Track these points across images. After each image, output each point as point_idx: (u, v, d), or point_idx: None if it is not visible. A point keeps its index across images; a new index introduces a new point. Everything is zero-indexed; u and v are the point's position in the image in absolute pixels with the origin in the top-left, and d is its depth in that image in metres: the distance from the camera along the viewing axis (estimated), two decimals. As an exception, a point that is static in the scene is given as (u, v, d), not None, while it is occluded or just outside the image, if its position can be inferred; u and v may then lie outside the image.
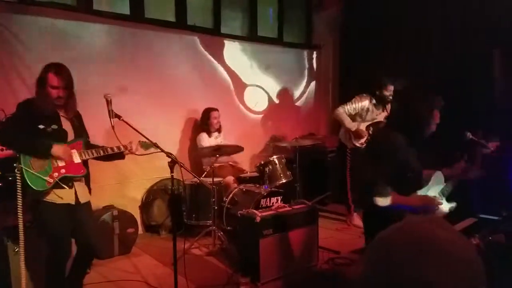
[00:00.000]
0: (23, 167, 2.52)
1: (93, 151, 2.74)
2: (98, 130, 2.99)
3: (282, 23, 5.99)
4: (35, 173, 2.53)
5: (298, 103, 6.20)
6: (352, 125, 4.56)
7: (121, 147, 2.81)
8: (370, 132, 4.53)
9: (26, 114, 2.58)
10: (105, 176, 4.10)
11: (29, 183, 2.51)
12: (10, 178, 3.20)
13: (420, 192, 2.32)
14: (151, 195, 4.61)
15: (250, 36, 5.61)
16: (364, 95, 4.61)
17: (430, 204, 2.25)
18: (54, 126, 2.64)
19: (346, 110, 4.59)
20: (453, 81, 4.64)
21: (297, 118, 6.15)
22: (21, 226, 2.60)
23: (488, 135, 3.09)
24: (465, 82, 4.56)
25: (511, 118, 4.30)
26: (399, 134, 2.23)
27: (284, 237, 3.32)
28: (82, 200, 2.75)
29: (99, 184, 3.79)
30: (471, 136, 2.62)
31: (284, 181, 4.29)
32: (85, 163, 2.74)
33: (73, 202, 2.69)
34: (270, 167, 4.32)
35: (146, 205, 4.61)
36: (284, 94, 6.03)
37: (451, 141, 2.62)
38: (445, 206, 2.37)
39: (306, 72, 6.30)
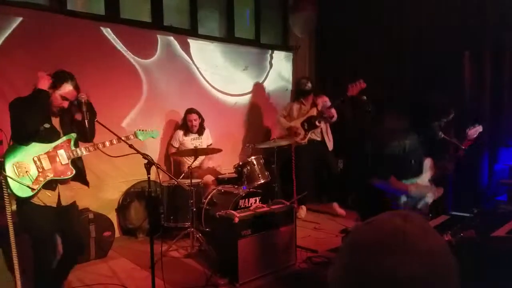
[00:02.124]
0: (6, 175, 2.48)
1: (83, 149, 2.71)
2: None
3: (259, 24, 6.01)
4: (19, 181, 2.50)
5: (276, 104, 6.23)
6: (285, 123, 5.13)
7: (114, 141, 2.78)
8: (306, 127, 5.04)
9: (23, 114, 2.53)
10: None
11: (14, 192, 2.49)
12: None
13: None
14: (128, 197, 4.55)
15: (227, 37, 5.61)
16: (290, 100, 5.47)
17: (424, 192, 2.35)
18: (47, 125, 2.61)
19: (281, 114, 5.27)
20: (425, 81, 4.78)
21: (275, 118, 6.18)
22: (11, 231, 2.55)
23: (461, 134, 3.23)
24: (436, 82, 4.69)
25: (480, 118, 4.47)
26: (407, 121, 2.33)
27: (263, 237, 3.34)
28: (65, 202, 2.72)
29: (74, 186, 3.72)
30: (443, 136, 2.70)
31: (262, 181, 4.32)
32: (74, 161, 2.71)
33: (54, 205, 2.66)
34: (249, 167, 4.34)
35: (123, 208, 4.54)
36: (263, 95, 6.06)
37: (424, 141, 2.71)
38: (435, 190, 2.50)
39: (283, 72, 6.34)
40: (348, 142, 5.24)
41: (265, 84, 6.10)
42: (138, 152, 2.71)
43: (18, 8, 3.82)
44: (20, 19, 3.83)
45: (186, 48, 5.10)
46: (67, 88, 2.60)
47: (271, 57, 6.13)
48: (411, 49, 5.05)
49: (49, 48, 3.96)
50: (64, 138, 2.70)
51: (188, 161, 4.49)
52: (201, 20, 5.31)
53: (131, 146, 2.73)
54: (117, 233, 4.36)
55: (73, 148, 2.72)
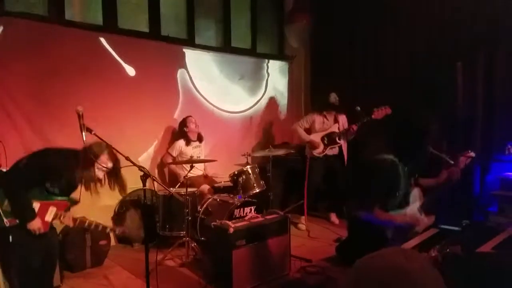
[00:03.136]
0: None
1: (70, 219, 2.78)
2: (71, 144, 2.97)
3: (255, 33, 6.08)
4: (0, 211, 2.56)
5: (271, 112, 6.30)
6: (306, 136, 5.07)
7: (100, 226, 2.90)
8: (326, 142, 5.05)
9: (43, 169, 2.63)
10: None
11: None
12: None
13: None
14: (124, 206, 4.57)
15: (224, 46, 5.67)
16: (313, 112, 5.30)
17: (411, 223, 2.38)
18: (56, 191, 2.71)
19: (301, 124, 5.17)
20: (418, 92, 4.85)
21: (271, 127, 6.24)
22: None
23: (453, 147, 3.28)
24: (429, 94, 4.77)
25: (472, 130, 4.55)
26: (391, 154, 2.34)
27: (257, 247, 3.37)
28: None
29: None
30: (431, 150, 2.75)
31: (257, 190, 4.36)
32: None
33: None
34: (244, 177, 4.38)
35: (118, 216, 4.56)
36: (258, 103, 6.11)
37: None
38: (424, 221, 2.50)
39: (279, 81, 6.40)
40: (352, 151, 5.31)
41: (261, 93, 6.15)
42: (134, 164, 2.76)
43: (15, 18, 3.85)
44: (18, 28, 3.86)
45: (182, 58, 5.15)
46: (103, 159, 2.72)
47: (267, 67, 6.20)
48: (406, 59, 5.13)
49: (48, 58, 4.00)
50: (64, 198, 2.78)
51: (185, 170, 4.53)
52: (198, 29, 5.37)
53: (127, 158, 2.78)
54: (113, 242, 4.37)
55: (64, 212, 2.77)
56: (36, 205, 2.65)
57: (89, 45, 4.33)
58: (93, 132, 2.71)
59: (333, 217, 5.23)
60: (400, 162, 2.42)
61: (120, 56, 4.57)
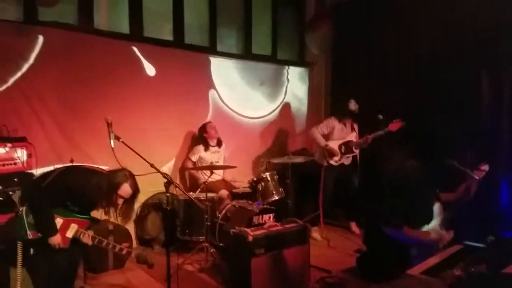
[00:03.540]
0: (22, 212, 2.72)
1: (90, 237, 2.87)
2: (98, 151, 3.08)
3: (275, 40, 6.12)
4: (25, 220, 2.71)
5: (291, 118, 6.32)
6: (324, 143, 5.01)
7: (117, 247, 2.95)
8: (343, 150, 5.02)
9: (69, 189, 2.78)
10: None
11: (15, 228, 2.71)
12: (10, 193, 3.32)
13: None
14: (146, 209, 4.66)
15: (245, 53, 5.73)
16: (333, 117, 5.19)
17: (435, 239, 2.36)
18: (76, 209, 2.85)
19: (320, 130, 5.08)
20: (439, 101, 4.79)
21: (290, 133, 6.27)
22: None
23: (476, 160, 3.21)
24: (452, 103, 4.70)
25: (497, 140, 4.44)
26: (416, 168, 2.32)
27: (276, 256, 3.40)
28: None
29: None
30: (456, 165, 2.73)
31: (276, 198, 4.40)
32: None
33: None
34: (263, 184, 4.42)
35: (140, 219, 4.66)
36: (278, 109, 6.15)
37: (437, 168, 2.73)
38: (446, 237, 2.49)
39: (299, 88, 6.42)
40: (364, 159, 5.28)
41: (281, 99, 6.19)
42: (158, 171, 2.86)
43: (47, 28, 4.00)
44: (49, 37, 4.00)
45: (205, 65, 5.23)
46: (125, 188, 2.82)
47: (287, 73, 6.23)
48: (427, 67, 5.06)
49: (78, 65, 4.14)
50: (85, 217, 2.91)
51: (205, 175, 4.59)
52: (220, 37, 5.45)
53: (152, 165, 2.87)
54: (134, 244, 4.47)
55: (84, 230, 2.88)
56: (59, 221, 2.79)
57: (117, 53, 4.45)
58: (120, 140, 2.81)
59: (354, 227, 5.19)
60: (427, 174, 2.40)
61: (145, 63, 4.67)
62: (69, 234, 2.82)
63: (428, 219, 2.39)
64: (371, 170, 5.07)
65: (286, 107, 6.26)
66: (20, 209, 2.74)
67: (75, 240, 2.87)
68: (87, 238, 2.87)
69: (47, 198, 2.73)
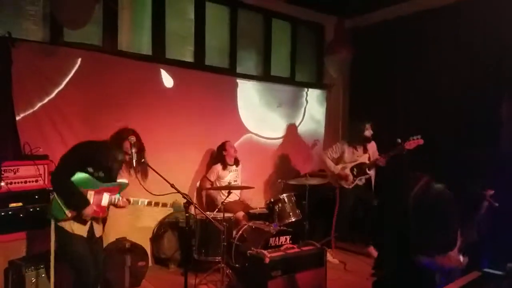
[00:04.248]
0: (55, 196, 2.81)
1: (125, 199, 2.99)
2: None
3: (294, 62, 6.22)
4: (61, 203, 2.79)
5: (308, 140, 6.35)
6: (335, 168, 5.04)
7: (146, 202, 3.05)
8: (355, 173, 5.01)
9: (80, 156, 2.86)
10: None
11: (52, 210, 2.81)
12: (31, 210, 3.41)
13: None
14: (162, 227, 4.70)
15: (264, 75, 5.83)
16: (342, 141, 5.24)
17: (456, 265, 2.32)
18: (101, 174, 2.91)
19: (329, 155, 5.13)
20: (459, 126, 4.76)
21: (307, 154, 6.28)
22: (52, 256, 2.94)
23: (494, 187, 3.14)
24: (471, 126, 4.66)
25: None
26: (447, 191, 2.27)
27: (292, 279, 3.38)
28: (97, 234, 2.98)
29: (114, 216, 3.92)
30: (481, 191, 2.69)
31: (293, 220, 4.38)
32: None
33: (85, 235, 2.89)
34: (280, 205, 4.42)
35: (156, 238, 4.69)
36: (295, 130, 6.20)
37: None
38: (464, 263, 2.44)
39: (316, 110, 6.47)
40: (382, 181, 5.23)
41: (299, 121, 6.24)
42: (178, 191, 2.90)
43: (75, 49, 4.15)
44: (78, 59, 4.15)
45: (225, 86, 5.34)
46: (127, 144, 2.92)
47: (305, 95, 6.30)
48: (446, 91, 5.06)
49: (101, 86, 4.26)
50: (115, 183, 2.99)
51: (223, 195, 4.62)
52: (240, 60, 5.57)
53: (172, 185, 2.93)
54: (150, 262, 4.49)
55: (117, 196, 2.99)
56: (90, 193, 2.87)
57: (140, 74, 4.57)
58: (142, 160, 2.88)
59: (372, 250, 5.10)
60: (455, 199, 2.34)
61: (167, 84, 4.79)
62: (104, 202, 2.93)
63: (453, 245, 2.34)
64: (391, 192, 5.01)
65: (304, 129, 6.30)
66: (52, 195, 2.85)
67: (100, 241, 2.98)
68: (122, 202, 2.99)
69: (64, 174, 2.81)
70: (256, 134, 5.74)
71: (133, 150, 2.86)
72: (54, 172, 2.93)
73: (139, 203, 3.05)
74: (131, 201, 3.02)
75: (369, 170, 5.03)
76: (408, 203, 2.23)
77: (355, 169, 5.02)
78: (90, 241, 2.93)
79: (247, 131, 5.65)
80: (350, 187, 5.02)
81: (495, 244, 3.85)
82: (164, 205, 3.06)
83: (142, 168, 2.99)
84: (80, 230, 2.87)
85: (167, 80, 4.80)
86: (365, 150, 5.09)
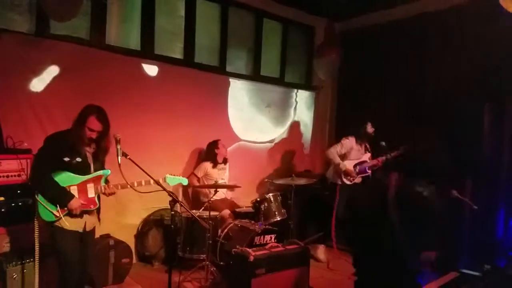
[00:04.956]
0: (38, 199, 2.76)
1: (111, 186, 2.93)
2: (105, 167, 3.12)
3: (284, 64, 6.24)
4: (46, 206, 2.75)
5: (295, 140, 6.37)
6: (342, 165, 5.05)
7: (143, 182, 2.99)
8: (357, 170, 5.07)
9: (53, 147, 2.80)
10: (103, 205, 4.18)
11: (40, 214, 2.76)
12: (13, 205, 3.35)
13: None
14: (147, 225, 4.67)
15: (254, 75, 5.83)
16: (350, 136, 5.17)
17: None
18: (78, 159, 2.84)
19: (338, 151, 5.13)
20: (443, 131, 4.83)
21: (294, 155, 6.31)
22: (37, 251, 2.93)
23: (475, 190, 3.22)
24: (454, 134, 4.76)
25: (496, 171, 4.49)
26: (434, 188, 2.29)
27: (276, 277, 3.40)
28: (89, 228, 2.95)
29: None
30: (456, 194, 2.75)
31: (278, 219, 4.41)
32: (98, 196, 2.93)
33: (81, 230, 2.88)
34: (266, 204, 4.44)
35: (141, 235, 4.66)
36: (283, 131, 6.22)
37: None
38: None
39: (304, 111, 6.50)
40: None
41: (286, 122, 6.26)
42: (164, 189, 2.88)
43: (59, 41, 4.07)
44: (61, 51, 4.06)
45: (213, 84, 5.32)
46: (91, 120, 2.83)
47: (294, 96, 6.32)
48: (432, 97, 5.15)
49: (87, 80, 4.19)
50: (96, 174, 2.92)
51: (209, 193, 4.60)
52: (230, 58, 5.55)
53: (158, 183, 2.92)
54: (134, 259, 4.46)
55: (102, 184, 2.93)
56: (73, 188, 2.83)
57: (127, 70, 4.53)
58: (128, 157, 2.85)
59: None
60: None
61: (154, 80, 4.76)
62: (91, 194, 2.88)
63: (435, 246, 2.38)
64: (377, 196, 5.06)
65: (292, 130, 6.33)
66: (36, 197, 2.80)
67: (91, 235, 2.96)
68: (110, 189, 2.92)
69: (42, 169, 2.77)
70: (245, 134, 5.74)
71: (118, 147, 2.82)
72: (32, 171, 2.89)
73: (128, 187, 2.95)
74: (119, 186, 2.94)
75: (369, 169, 5.10)
76: (386, 202, 2.24)
77: (357, 167, 5.11)
78: (83, 235, 2.91)
79: (235, 131, 5.64)
80: (351, 183, 5.09)
81: (473, 246, 3.95)
82: (157, 182, 2.97)
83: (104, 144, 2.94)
84: (75, 225, 2.84)
85: (154, 76, 4.76)
86: (366, 150, 5.19)
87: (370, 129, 5.09)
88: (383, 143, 4.65)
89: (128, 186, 2.93)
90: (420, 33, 5.30)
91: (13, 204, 3.37)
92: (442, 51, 5.05)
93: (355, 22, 6.14)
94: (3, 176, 3.37)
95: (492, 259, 4.05)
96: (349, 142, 5.14)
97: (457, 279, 2.42)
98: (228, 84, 5.49)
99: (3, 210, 3.32)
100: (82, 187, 2.86)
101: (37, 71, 3.94)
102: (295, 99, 6.34)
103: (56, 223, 2.78)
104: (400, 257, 2.19)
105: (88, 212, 2.90)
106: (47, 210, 2.76)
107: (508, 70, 4.47)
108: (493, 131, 4.57)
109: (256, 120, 5.86)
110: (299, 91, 6.38)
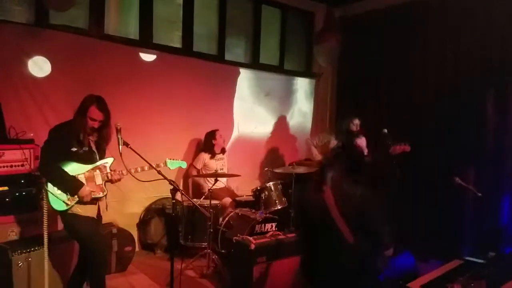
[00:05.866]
0: (48, 189, 2.82)
1: (117, 172, 2.98)
2: (106, 155, 3.14)
3: (283, 51, 6.19)
4: (57, 196, 2.81)
5: (295, 129, 6.37)
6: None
7: (145, 168, 3.04)
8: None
9: (61, 138, 2.85)
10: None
11: (50, 204, 2.82)
12: (17, 194, 3.39)
13: None
14: (149, 213, 4.71)
15: (252, 63, 5.80)
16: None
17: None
18: (85, 148, 2.91)
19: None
20: (446, 118, 4.84)
21: (295, 143, 6.31)
22: (46, 239, 3.03)
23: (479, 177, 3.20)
24: (457, 120, 4.75)
25: (501, 158, 4.49)
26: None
27: (277, 265, 3.44)
28: (95, 214, 2.99)
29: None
30: (459, 181, 2.76)
31: (279, 207, 4.43)
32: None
33: (94, 216, 2.95)
34: (266, 193, 4.47)
35: (143, 223, 4.71)
36: (282, 119, 6.21)
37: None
38: None
39: (304, 99, 6.49)
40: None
41: (286, 110, 6.25)
42: (165, 178, 2.88)
43: (59, 32, 4.07)
44: (60, 41, 4.05)
45: (212, 72, 5.28)
46: (92, 110, 2.87)
47: (294, 83, 6.29)
48: (433, 85, 5.11)
49: (86, 69, 4.18)
50: (101, 161, 2.99)
51: (209, 183, 4.63)
52: (228, 46, 5.52)
53: (159, 172, 2.92)
54: (137, 247, 4.51)
55: (108, 171, 2.99)
56: (81, 177, 2.88)
57: (126, 59, 4.51)
58: (129, 146, 2.86)
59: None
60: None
61: (154, 69, 4.74)
62: (99, 181, 2.95)
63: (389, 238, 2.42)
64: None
65: (291, 118, 6.31)
66: (46, 187, 2.85)
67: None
68: (117, 175, 2.99)
69: (51, 160, 2.82)
70: (243, 124, 5.73)
71: (119, 136, 2.83)
72: (40, 163, 2.92)
73: (132, 172, 2.99)
74: (125, 172, 2.98)
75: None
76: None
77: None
78: (97, 221, 3.00)
79: (235, 120, 5.63)
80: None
81: (477, 233, 3.96)
82: (158, 171, 2.95)
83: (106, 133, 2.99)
84: (89, 212, 2.91)
85: (153, 65, 4.73)
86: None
87: (354, 127, 4.89)
88: (386, 130, 4.60)
89: (132, 171, 2.98)
90: (421, 18, 5.23)
91: (17, 194, 3.42)
92: (444, 35, 4.99)
93: (355, 8, 6.06)
94: (7, 166, 3.41)
95: (497, 246, 4.05)
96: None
97: (461, 267, 2.43)
98: (226, 72, 5.45)
99: (7, 199, 3.36)
100: (89, 175, 2.93)
101: (36, 62, 3.92)
102: (295, 87, 6.31)
103: (69, 211, 2.84)
104: (358, 260, 2.19)
105: (98, 199, 2.97)
106: (57, 199, 2.81)
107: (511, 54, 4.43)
108: (496, 117, 4.53)
109: (256, 108, 5.84)
110: (299, 78, 6.34)
